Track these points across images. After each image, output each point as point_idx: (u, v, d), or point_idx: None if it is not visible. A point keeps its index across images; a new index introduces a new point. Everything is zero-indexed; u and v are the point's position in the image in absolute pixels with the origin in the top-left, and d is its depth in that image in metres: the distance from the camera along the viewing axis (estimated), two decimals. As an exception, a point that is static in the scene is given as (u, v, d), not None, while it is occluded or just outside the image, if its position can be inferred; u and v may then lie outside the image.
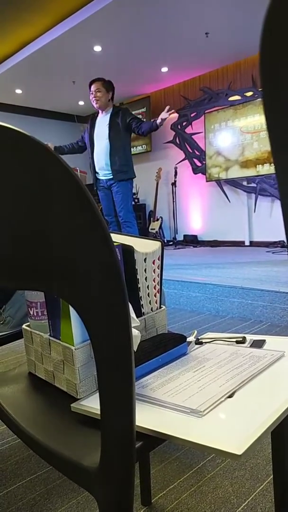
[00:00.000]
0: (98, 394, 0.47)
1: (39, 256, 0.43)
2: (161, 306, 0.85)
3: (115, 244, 0.70)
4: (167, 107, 3.47)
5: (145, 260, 0.78)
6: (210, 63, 5.48)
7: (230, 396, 0.57)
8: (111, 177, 3.63)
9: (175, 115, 6.19)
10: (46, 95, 6.39)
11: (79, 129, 7.68)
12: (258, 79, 5.20)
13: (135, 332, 0.63)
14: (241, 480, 1.12)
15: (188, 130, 6.12)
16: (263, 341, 0.79)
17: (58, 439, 0.56)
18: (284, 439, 0.80)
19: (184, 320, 2.84)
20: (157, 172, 6.07)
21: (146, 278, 0.79)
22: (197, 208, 6.22)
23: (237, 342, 0.80)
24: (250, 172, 5.34)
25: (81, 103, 6.89)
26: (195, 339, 0.83)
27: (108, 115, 3.60)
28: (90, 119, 3.79)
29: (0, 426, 1.49)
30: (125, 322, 0.43)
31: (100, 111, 3.66)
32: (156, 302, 0.83)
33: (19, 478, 1.18)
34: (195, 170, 6.10)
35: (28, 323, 0.79)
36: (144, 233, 5.97)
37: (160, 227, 6.08)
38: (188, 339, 0.80)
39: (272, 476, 1.12)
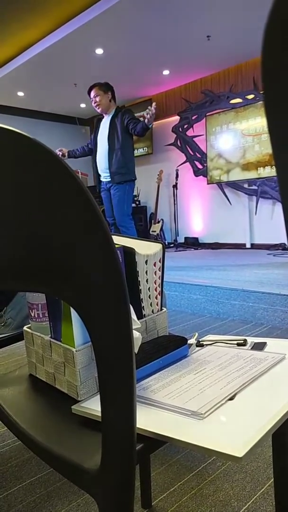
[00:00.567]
0: (99, 396, 0.47)
1: (41, 258, 0.43)
2: (162, 308, 0.85)
3: (116, 246, 0.70)
4: (149, 107, 3.32)
5: (146, 262, 0.78)
6: (211, 66, 5.49)
7: (231, 399, 0.57)
8: (110, 179, 3.63)
9: (176, 117, 6.21)
10: (48, 97, 6.41)
11: (80, 132, 7.71)
12: (260, 82, 5.21)
13: (136, 334, 0.63)
14: (242, 483, 1.11)
15: (190, 132, 6.13)
16: (264, 344, 0.79)
17: (58, 441, 0.56)
18: (285, 442, 0.80)
19: (185, 322, 2.83)
20: (158, 175, 6.08)
21: (147, 280, 0.79)
22: (198, 211, 6.22)
23: (238, 344, 0.80)
24: (251, 174, 5.34)
25: (82, 105, 6.91)
26: (196, 342, 0.83)
27: (110, 117, 3.61)
28: (96, 121, 3.79)
29: (1, 428, 1.48)
30: (126, 324, 0.43)
31: (104, 115, 3.67)
32: (157, 304, 0.83)
33: (19, 481, 1.18)
34: (196, 172, 6.11)
35: (29, 325, 0.79)
36: (145, 235, 5.97)
37: (161, 229, 6.09)
38: (189, 342, 0.80)
39: (272, 479, 1.12)
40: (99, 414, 0.47)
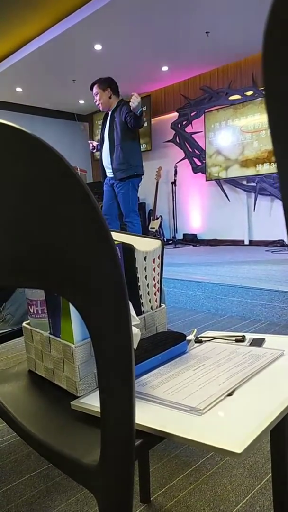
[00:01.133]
0: (98, 392, 0.47)
1: (40, 254, 0.43)
2: (161, 304, 0.85)
3: (115, 242, 0.70)
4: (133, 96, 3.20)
5: (145, 258, 0.78)
6: (210, 62, 5.47)
7: (229, 395, 0.57)
8: (113, 175, 3.62)
9: (175, 114, 6.19)
10: (46, 93, 6.38)
11: (79, 128, 7.68)
12: (259, 79, 5.20)
13: (135, 330, 0.63)
14: (240, 478, 1.12)
15: (188, 129, 6.12)
16: (263, 340, 0.79)
17: (58, 437, 0.56)
18: (283, 437, 0.80)
19: (183, 318, 2.84)
20: (157, 171, 6.07)
21: (146, 277, 0.79)
22: (197, 207, 6.22)
23: (237, 340, 0.80)
24: (250, 171, 5.34)
25: (81, 101, 6.88)
26: (194, 338, 0.83)
27: (111, 113, 3.58)
28: (103, 116, 3.75)
29: (0, 423, 1.49)
30: (125, 320, 0.43)
31: (108, 111, 3.63)
32: (156, 301, 0.83)
33: (18, 476, 1.18)
34: (195, 169, 6.10)
35: (28, 321, 0.79)
36: (144, 232, 5.96)
37: (160, 226, 6.09)
38: (187, 338, 0.80)
39: (271, 474, 1.12)
40: (98, 410, 0.47)
